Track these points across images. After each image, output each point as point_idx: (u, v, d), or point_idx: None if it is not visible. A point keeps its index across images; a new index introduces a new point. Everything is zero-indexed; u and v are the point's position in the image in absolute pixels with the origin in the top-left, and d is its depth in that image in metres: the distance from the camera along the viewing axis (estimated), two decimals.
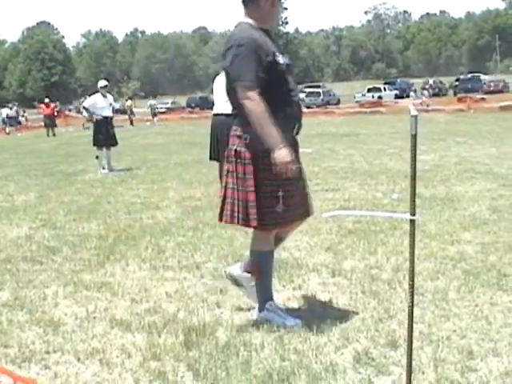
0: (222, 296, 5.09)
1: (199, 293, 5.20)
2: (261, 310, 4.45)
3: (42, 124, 39.52)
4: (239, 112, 4.22)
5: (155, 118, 44.60)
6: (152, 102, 49.01)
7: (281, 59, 4.23)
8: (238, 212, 4.23)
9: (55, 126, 37.93)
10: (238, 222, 4.27)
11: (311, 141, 20.53)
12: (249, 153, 4.16)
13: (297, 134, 4.37)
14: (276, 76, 4.16)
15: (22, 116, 51.59)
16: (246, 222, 4.24)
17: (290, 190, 4.23)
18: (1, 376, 2.65)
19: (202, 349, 4.03)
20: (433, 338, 3.99)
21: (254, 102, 4.03)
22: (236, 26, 4.38)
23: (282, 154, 4.01)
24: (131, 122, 42.47)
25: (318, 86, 74.79)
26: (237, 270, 4.61)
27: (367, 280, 5.25)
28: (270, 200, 4.17)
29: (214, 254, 6.43)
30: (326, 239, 6.72)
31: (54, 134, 36.23)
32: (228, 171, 4.31)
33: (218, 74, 10.08)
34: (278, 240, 4.59)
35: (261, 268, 4.39)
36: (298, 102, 4.42)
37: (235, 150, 4.24)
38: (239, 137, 4.25)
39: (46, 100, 40.25)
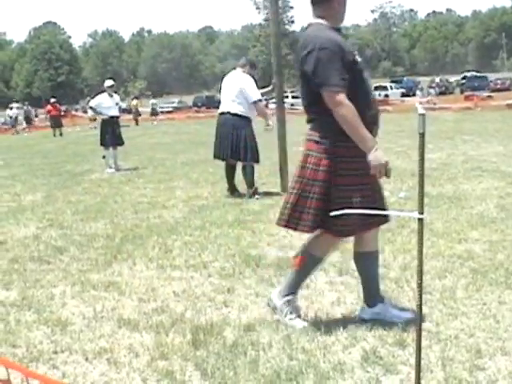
0: (230, 295, 5.09)
1: (206, 292, 5.20)
2: (280, 296, 4.41)
3: (49, 124, 39.40)
4: (317, 116, 4.14)
5: (154, 118, 44.71)
6: (153, 101, 49.03)
7: (358, 58, 4.16)
8: (307, 220, 4.15)
9: (62, 125, 37.92)
10: (307, 229, 4.22)
11: None
12: (326, 159, 4.07)
13: (375, 135, 4.23)
14: (356, 76, 4.07)
15: (35, 115, 51.52)
16: (297, 227, 4.23)
17: (367, 196, 4.12)
18: (11, 373, 2.64)
19: (210, 348, 4.03)
20: (441, 337, 3.98)
21: (345, 107, 3.92)
22: (307, 28, 4.26)
23: (378, 156, 3.95)
24: (136, 122, 42.54)
25: None
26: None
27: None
28: (346, 206, 3.98)
29: (221, 253, 6.43)
30: None
31: (61, 134, 36.23)
32: (301, 177, 4.21)
33: (226, 74, 10.13)
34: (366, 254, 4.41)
35: (305, 266, 4.36)
36: (375, 102, 4.37)
37: (312, 155, 4.14)
38: (317, 142, 4.12)
39: (53, 100, 40.10)
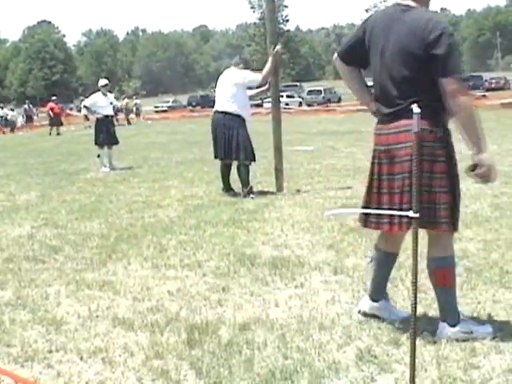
0: (225, 294, 5.09)
1: (201, 291, 5.19)
2: (454, 323, 3.96)
3: (47, 122, 39.23)
4: (428, 103, 3.69)
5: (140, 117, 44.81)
6: (137, 101, 49.10)
7: None
8: (445, 216, 3.87)
9: (62, 124, 37.87)
10: (447, 228, 3.91)
11: (313, 138, 20.57)
12: (441, 149, 3.84)
13: None
14: None
15: (36, 114, 51.30)
16: (435, 226, 3.87)
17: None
18: (2, 376, 2.64)
19: (205, 347, 4.03)
20: (435, 336, 3.98)
21: (470, 98, 3.73)
22: (410, 10, 3.85)
23: (489, 157, 3.82)
24: (128, 121, 42.82)
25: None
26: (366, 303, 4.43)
27: (369, 278, 5.24)
28: (459, 198, 3.99)
29: (215, 252, 6.43)
30: (328, 237, 6.72)
31: (59, 133, 36.10)
32: (410, 172, 3.66)
33: (221, 73, 10.17)
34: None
35: (453, 273, 3.98)
36: None
37: (424, 146, 3.70)
38: (430, 131, 3.78)
39: (54, 98, 39.96)
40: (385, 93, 3.95)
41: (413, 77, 3.80)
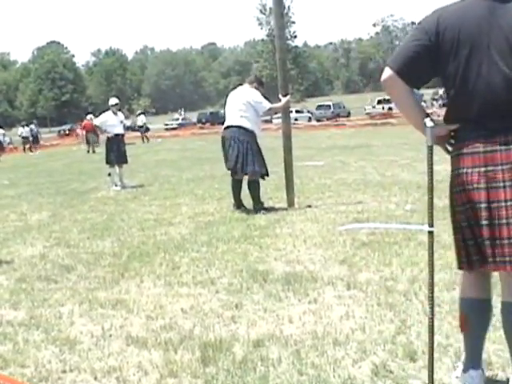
0: (238, 311, 5.07)
1: (214, 308, 5.18)
2: None
3: (57, 142, 39.40)
4: None
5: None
6: (90, 116, 39.79)
7: None
8: None
9: (97, 142, 37.79)
10: None
11: (322, 153, 20.56)
12: None
13: None
14: None
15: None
16: None
17: None
18: None
19: (219, 365, 4.01)
20: (451, 350, 3.95)
21: None
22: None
23: None
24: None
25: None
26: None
27: (383, 292, 5.22)
28: None
29: (228, 268, 6.42)
30: (341, 252, 6.70)
31: (94, 151, 35.40)
32: None
33: (233, 89, 10.25)
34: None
35: None
36: None
37: None
38: None
39: (89, 117, 39.94)
40: (498, 101, 3.08)
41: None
